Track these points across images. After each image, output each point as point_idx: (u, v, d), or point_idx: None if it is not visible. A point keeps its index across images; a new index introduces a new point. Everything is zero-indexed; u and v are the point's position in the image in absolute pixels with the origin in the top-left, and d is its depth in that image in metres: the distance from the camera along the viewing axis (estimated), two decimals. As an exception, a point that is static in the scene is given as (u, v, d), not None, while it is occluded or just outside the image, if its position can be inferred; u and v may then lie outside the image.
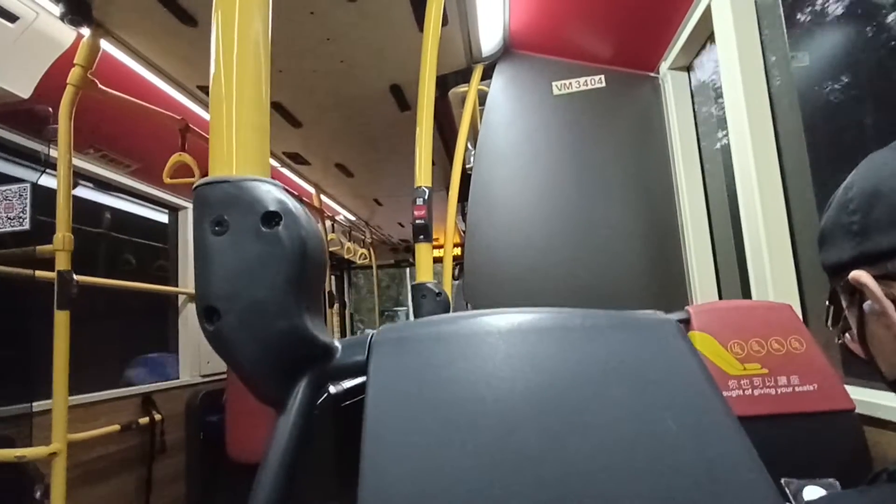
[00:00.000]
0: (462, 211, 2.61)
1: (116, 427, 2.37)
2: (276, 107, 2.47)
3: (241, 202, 0.43)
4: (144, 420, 2.59)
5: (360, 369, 0.41)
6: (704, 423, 0.32)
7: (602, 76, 2.14)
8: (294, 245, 0.43)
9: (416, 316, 1.47)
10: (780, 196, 1.39)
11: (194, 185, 0.45)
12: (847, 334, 0.49)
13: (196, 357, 3.14)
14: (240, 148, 0.45)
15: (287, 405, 0.42)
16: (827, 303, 0.51)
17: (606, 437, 0.32)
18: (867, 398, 1.02)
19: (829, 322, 0.51)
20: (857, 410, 0.98)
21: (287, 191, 0.46)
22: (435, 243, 1.67)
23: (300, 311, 0.43)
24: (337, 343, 0.47)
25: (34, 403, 1.89)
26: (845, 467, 0.96)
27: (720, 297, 1.86)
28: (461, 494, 0.31)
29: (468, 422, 0.34)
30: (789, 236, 1.37)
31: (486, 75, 2.27)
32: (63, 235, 1.77)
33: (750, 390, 0.99)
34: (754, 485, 0.31)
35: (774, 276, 1.34)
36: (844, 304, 0.48)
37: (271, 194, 0.44)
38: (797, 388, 0.99)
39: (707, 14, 1.64)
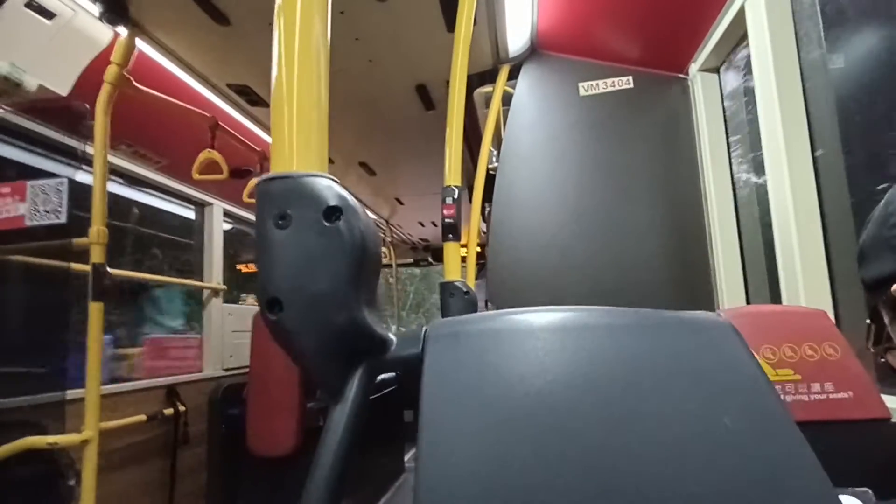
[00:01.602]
0: (483, 212, 2.62)
1: (143, 417, 2.43)
2: None
3: (303, 197, 0.45)
4: (169, 411, 2.65)
5: (415, 363, 0.42)
6: (765, 427, 0.32)
7: (630, 77, 2.13)
8: (354, 239, 0.44)
9: (443, 315, 1.48)
10: (815, 201, 1.37)
11: (257, 181, 0.47)
12: (889, 353, 0.49)
13: (219, 350, 3.20)
14: (300, 145, 0.47)
15: (344, 394, 0.43)
16: (868, 321, 0.50)
17: (666, 436, 0.32)
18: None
19: (871, 341, 0.51)
20: (893, 419, 0.96)
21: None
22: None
23: (359, 304, 0.44)
24: (392, 336, 0.49)
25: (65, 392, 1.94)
26: (880, 476, 0.94)
27: (748, 302, 1.83)
28: (522, 491, 0.31)
29: (527, 418, 0.34)
30: (822, 241, 1.35)
31: (512, 76, 2.27)
32: (98, 229, 1.82)
33: (782, 396, 0.98)
34: (816, 493, 0.31)
35: (806, 281, 1.32)
36: (887, 319, 0.47)
37: (332, 189, 0.45)
38: (831, 395, 0.98)
39: (740, 15, 1.61)
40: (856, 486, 0.80)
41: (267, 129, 2.75)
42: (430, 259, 6.54)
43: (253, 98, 2.43)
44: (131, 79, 1.91)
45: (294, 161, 0.47)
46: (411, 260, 6.63)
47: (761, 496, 0.30)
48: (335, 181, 0.46)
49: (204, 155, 2.28)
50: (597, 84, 2.16)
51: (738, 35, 1.72)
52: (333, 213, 0.44)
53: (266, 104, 2.49)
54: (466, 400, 0.36)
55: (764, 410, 0.33)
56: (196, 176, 2.27)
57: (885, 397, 0.98)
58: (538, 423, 0.33)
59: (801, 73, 1.45)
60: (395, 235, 5.74)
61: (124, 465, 2.39)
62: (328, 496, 0.39)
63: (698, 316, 0.41)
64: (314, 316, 0.43)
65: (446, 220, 1.47)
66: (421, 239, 6.14)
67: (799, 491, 0.31)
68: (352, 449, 0.41)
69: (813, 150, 1.41)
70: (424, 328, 0.45)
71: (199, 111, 2.28)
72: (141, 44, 1.95)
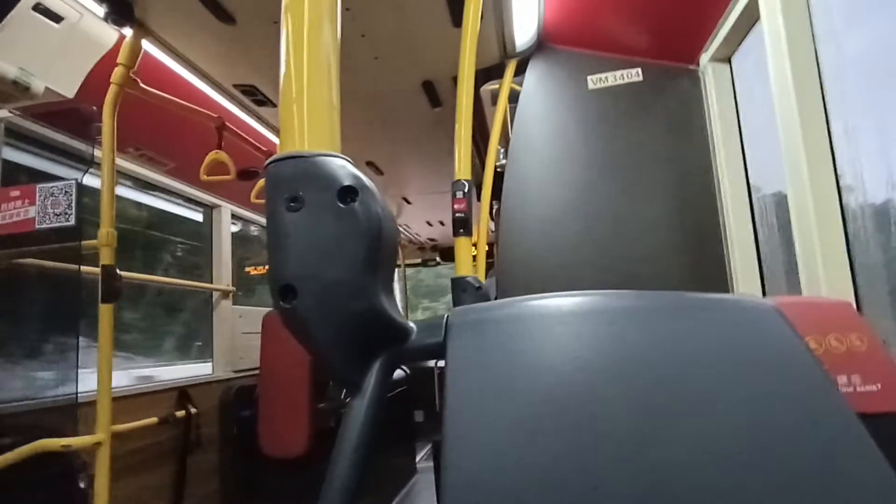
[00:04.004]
0: (491, 210, 2.59)
1: (155, 420, 2.43)
2: None
3: (316, 178, 0.43)
4: (181, 413, 2.64)
5: (437, 352, 0.40)
6: (821, 414, 0.30)
7: (639, 69, 2.09)
8: (371, 222, 0.42)
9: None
10: (834, 190, 1.34)
11: (266, 162, 0.45)
12: None
13: (230, 352, 3.20)
14: (311, 122, 0.45)
15: (362, 386, 0.41)
16: None
17: (714, 428, 0.29)
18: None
19: None
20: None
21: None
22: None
23: (377, 291, 0.42)
24: (412, 324, 0.46)
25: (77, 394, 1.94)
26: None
27: (764, 294, 1.80)
28: (554, 484, 0.29)
29: (558, 409, 0.31)
30: (843, 230, 1.32)
31: (519, 71, 2.25)
32: (107, 231, 1.82)
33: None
34: (878, 482, 0.29)
35: (827, 271, 1.28)
36: None
37: (346, 169, 0.43)
38: (858, 388, 0.95)
39: (753, 2, 1.58)
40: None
41: (274, 129, 2.75)
42: (437, 259, 6.52)
43: (259, 98, 2.42)
44: (138, 80, 1.91)
45: (305, 140, 0.45)
46: (419, 260, 6.62)
47: (821, 486, 0.28)
48: (349, 161, 0.44)
49: (211, 156, 2.28)
50: (606, 77, 2.13)
51: (750, 23, 1.69)
52: (348, 193, 0.42)
53: (273, 104, 2.48)
54: (493, 390, 0.33)
55: (821, 398, 0.31)
56: (204, 177, 2.27)
57: (914, 389, 0.95)
58: (570, 414, 0.31)
59: (817, 60, 1.42)
60: (402, 235, 5.73)
61: (136, 468, 2.39)
62: (346, 492, 0.37)
63: (742, 299, 0.38)
64: (331, 303, 0.40)
65: (457, 214, 1.45)
66: (429, 238, 6.13)
67: (860, 481, 0.28)
68: (371, 444, 0.39)
69: (830, 139, 1.38)
70: (446, 315, 0.43)
71: (206, 112, 2.27)
72: (148, 46, 1.94)
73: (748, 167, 1.90)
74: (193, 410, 2.74)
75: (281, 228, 0.42)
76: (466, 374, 0.35)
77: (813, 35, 1.44)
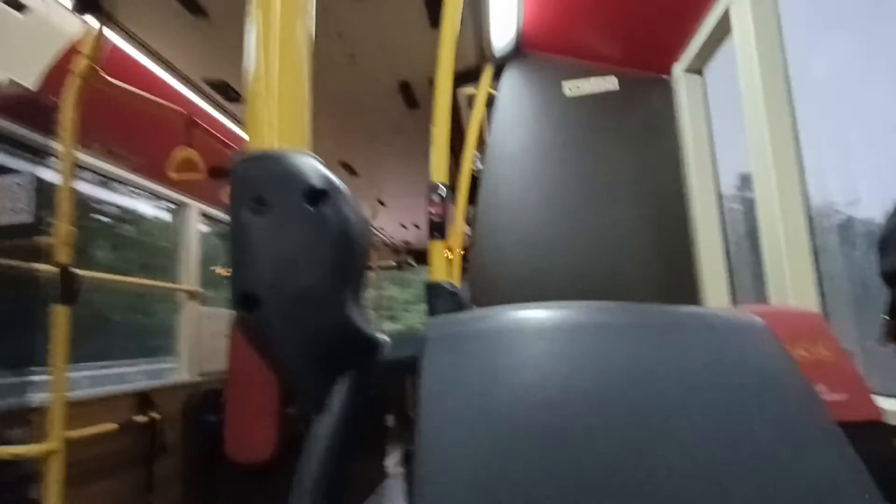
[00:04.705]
0: (467, 216, 2.58)
1: (114, 426, 2.33)
2: None
3: (284, 178, 0.40)
4: (142, 419, 2.55)
5: (411, 367, 0.38)
6: (811, 437, 0.29)
7: (615, 78, 2.12)
8: (342, 227, 0.39)
9: (430, 314, 1.43)
10: (800, 201, 1.37)
11: (232, 160, 0.42)
12: None
13: (195, 355, 3.10)
14: (281, 118, 0.42)
15: (328, 403, 0.39)
16: (885, 316, 0.48)
17: (700, 449, 0.28)
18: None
19: (887, 336, 0.49)
20: (886, 421, 0.95)
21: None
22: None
23: (346, 302, 0.39)
24: (384, 336, 0.44)
25: (29, 399, 1.85)
26: (874, 480, 0.92)
27: (733, 301, 1.83)
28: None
29: (537, 429, 0.30)
30: (809, 240, 1.34)
31: (497, 75, 2.25)
32: (65, 228, 1.74)
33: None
34: None
35: (794, 281, 1.31)
36: None
37: (317, 170, 0.40)
38: (826, 398, 0.96)
39: (725, 16, 1.61)
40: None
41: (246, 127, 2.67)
42: (411, 262, 6.48)
43: (231, 94, 2.36)
44: (102, 72, 1.83)
45: (274, 137, 0.42)
46: (394, 262, 6.57)
47: None
48: (320, 161, 0.42)
49: (180, 153, 2.21)
50: (582, 85, 2.14)
51: (722, 36, 1.72)
52: (318, 196, 0.39)
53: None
54: (470, 411, 0.31)
55: (811, 420, 0.30)
56: (171, 175, 2.19)
57: (878, 398, 0.97)
58: (550, 438, 0.29)
59: (787, 75, 1.45)
60: (377, 238, 5.68)
61: (94, 477, 2.29)
62: None
63: (731, 315, 0.37)
64: (296, 314, 0.37)
65: (433, 217, 1.42)
66: (404, 241, 6.09)
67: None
68: (337, 467, 0.36)
69: (798, 152, 1.41)
70: (423, 327, 0.40)
71: (174, 107, 2.20)
72: (115, 38, 1.87)
73: (718, 177, 1.94)
74: (156, 416, 2.64)
75: (244, 232, 0.39)
76: (442, 394, 0.33)
77: (783, 50, 1.48)
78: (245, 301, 0.38)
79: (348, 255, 0.39)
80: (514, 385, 0.32)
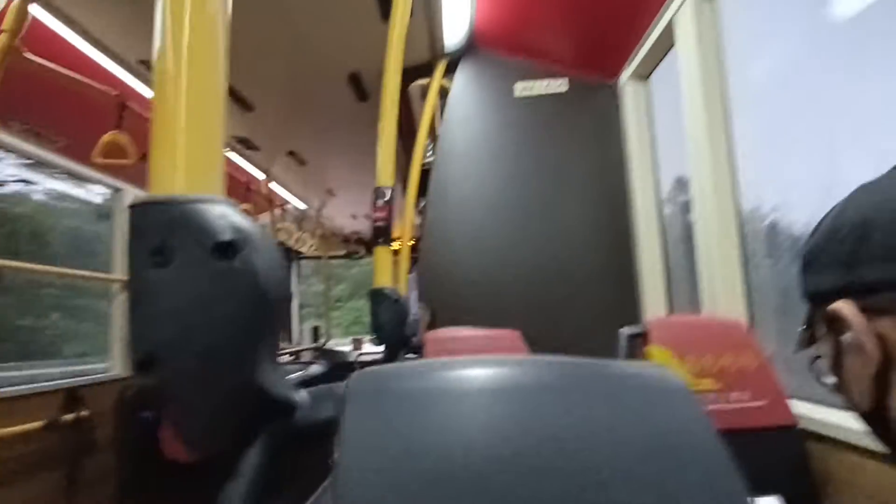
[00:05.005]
0: (418, 206, 2.56)
1: (38, 424, 2.19)
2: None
3: (190, 228, 0.36)
4: (70, 416, 2.40)
5: (330, 428, 0.36)
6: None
7: (564, 81, 2.14)
8: (253, 280, 0.36)
9: (373, 322, 1.40)
10: (733, 214, 1.43)
11: (130, 204, 0.38)
12: (819, 359, 0.49)
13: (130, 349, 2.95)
14: (190, 158, 0.38)
15: (239, 470, 0.36)
16: (803, 327, 0.50)
17: None
18: (811, 414, 1.05)
19: (803, 347, 0.51)
20: (801, 426, 1.01)
21: (244, 210, 0.39)
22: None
23: (257, 361, 0.36)
24: (301, 395, 0.41)
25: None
26: (788, 483, 0.99)
27: (670, 309, 1.91)
28: None
29: (453, 494, 0.29)
30: (740, 252, 1.41)
31: (450, 70, 2.23)
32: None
33: (703, 405, 1.00)
34: None
35: (725, 290, 1.37)
36: (820, 332, 0.47)
37: (227, 219, 0.36)
38: (747, 404, 1.02)
39: (669, 27, 1.65)
40: (770, 494, 0.83)
41: None
42: (361, 252, 6.38)
43: None
44: (23, 49, 1.68)
45: (181, 179, 0.38)
46: (344, 252, 6.45)
47: None
48: (232, 205, 0.38)
49: (108, 137, 2.06)
50: (532, 86, 2.16)
51: (667, 46, 1.77)
52: (228, 248, 0.36)
53: None
54: (387, 479, 0.30)
55: (721, 486, 0.30)
56: (97, 160, 2.05)
57: (795, 403, 1.03)
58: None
59: (725, 86, 1.51)
60: (326, 227, 5.56)
61: (14, 479, 2.14)
62: None
63: (651, 374, 0.37)
64: (201, 377, 0.34)
65: (377, 223, 1.39)
66: (353, 231, 5.99)
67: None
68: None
69: (733, 165, 1.47)
70: (345, 384, 0.38)
71: (103, 87, 2.05)
72: (41, 13, 1.72)
73: (659, 182, 2.00)
74: (85, 413, 2.50)
75: (143, 285, 0.35)
76: (360, 458, 0.31)
77: (723, 62, 1.53)
78: (142, 363, 0.35)
79: (261, 310, 0.36)
80: (433, 452, 0.31)
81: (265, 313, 0.37)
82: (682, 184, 1.90)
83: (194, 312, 0.35)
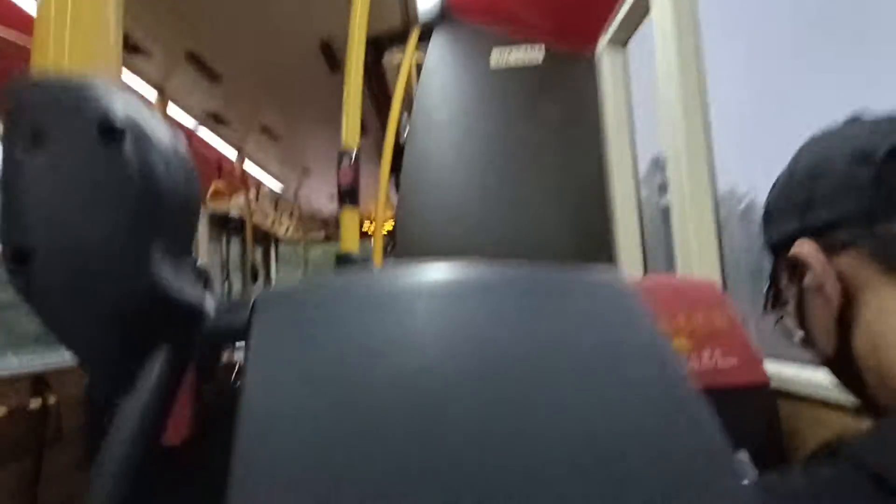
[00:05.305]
0: (395, 182, 2.52)
1: (1, 411, 2.11)
2: (192, 57, 2.23)
3: (69, 108, 0.32)
4: (36, 403, 2.32)
5: (238, 334, 0.32)
6: (672, 409, 0.27)
7: (541, 51, 2.10)
8: (145, 167, 0.33)
9: None
10: (707, 179, 1.42)
11: (7, 89, 0.33)
12: (784, 315, 0.50)
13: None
14: (75, 28, 0.34)
15: (136, 386, 0.32)
16: (767, 285, 0.51)
17: (552, 426, 0.25)
18: (782, 372, 1.05)
19: (769, 304, 0.52)
20: (773, 385, 1.01)
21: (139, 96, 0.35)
22: (366, 215, 1.57)
23: (154, 259, 0.33)
24: (209, 303, 0.38)
25: None
26: (759, 441, 0.99)
27: (645, 269, 1.91)
28: (364, 492, 0.23)
29: (372, 406, 0.26)
30: (713, 212, 1.40)
31: (423, 39, 2.17)
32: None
33: (675, 365, 0.99)
34: (721, 477, 0.27)
35: (701, 252, 1.36)
36: (784, 282, 0.47)
37: (112, 98, 0.33)
38: (719, 363, 1.01)
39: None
40: (738, 449, 0.82)
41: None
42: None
43: None
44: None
45: (65, 54, 0.34)
46: (322, 235, 6.35)
47: (669, 489, 0.25)
48: (128, 89, 0.34)
49: None
50: (508, 57, 2.11)
51: (645, 9, 1.74)
52: (114, 133, 0.32)
53: None
54: (302, 381, 0.26)
55: (671, 391, 0.28)
56: None
57: (770, 364, 1.03)
58: (384, 414, 0.25)
59: (700, 55, 1.49)
60: (304, 209, 5.47)
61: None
62: None
63: (597, 279, 0.35)
64: (83, 272, 0.31)
65: (342, 186, 1.34)
66: (332, 214, 5.90)
67: (706, 481, 0.26)
68: (146, 461, 0.31)
69: (708, 130, 1.45)
70: (256, 294, 0.34)
71: None
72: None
73: (636, 152, 1.99)
74: (52, 400, 2.42)
75: (16, 172, 0.31)
76: (271, 363, 0.28)
77: (698, 31, 1.50)
78: (16, 255, 0.31)
79: (156, 201, 0.33)
80: (347, 349, 0.28)
81: (161, 205, 0.33)
82: (658, 164, 1.89)
83: (72, 201, 0.31)
